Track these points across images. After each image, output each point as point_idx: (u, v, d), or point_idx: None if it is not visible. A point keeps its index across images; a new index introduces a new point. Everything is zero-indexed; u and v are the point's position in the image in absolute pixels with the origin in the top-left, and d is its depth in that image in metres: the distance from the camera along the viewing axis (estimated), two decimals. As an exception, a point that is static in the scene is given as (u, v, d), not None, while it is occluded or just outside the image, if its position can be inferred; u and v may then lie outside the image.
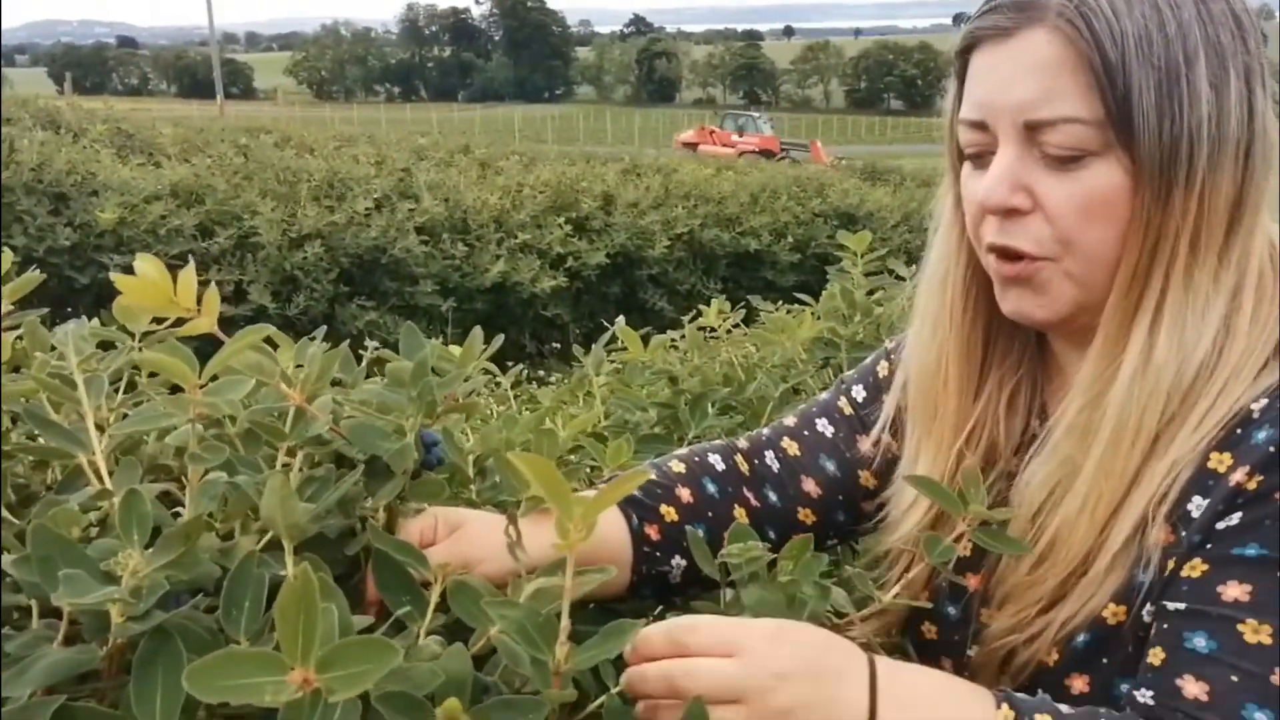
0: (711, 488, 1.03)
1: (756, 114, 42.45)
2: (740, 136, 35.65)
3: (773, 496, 1.04)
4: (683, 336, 1.88)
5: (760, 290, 6.02)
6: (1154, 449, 0.81)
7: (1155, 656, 0.76)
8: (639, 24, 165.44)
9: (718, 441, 1.11)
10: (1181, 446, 0.80)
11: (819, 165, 17.30)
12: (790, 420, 1.08)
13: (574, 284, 6.74)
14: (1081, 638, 0.82)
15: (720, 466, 1.04)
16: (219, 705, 0.61)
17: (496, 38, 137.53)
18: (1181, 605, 0.76)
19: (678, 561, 0.98)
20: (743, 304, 2.17)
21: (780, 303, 2.21)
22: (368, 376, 0.94)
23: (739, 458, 1.06)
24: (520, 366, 1.67)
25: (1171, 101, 0.77)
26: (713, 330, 1.95)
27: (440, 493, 0.85)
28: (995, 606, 0.89)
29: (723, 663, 0.69)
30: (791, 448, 1.06)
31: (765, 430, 1.09)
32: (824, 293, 1.90)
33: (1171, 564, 0.78)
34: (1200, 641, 0.74)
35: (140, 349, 0.86)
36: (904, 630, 0.98)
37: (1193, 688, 0.72)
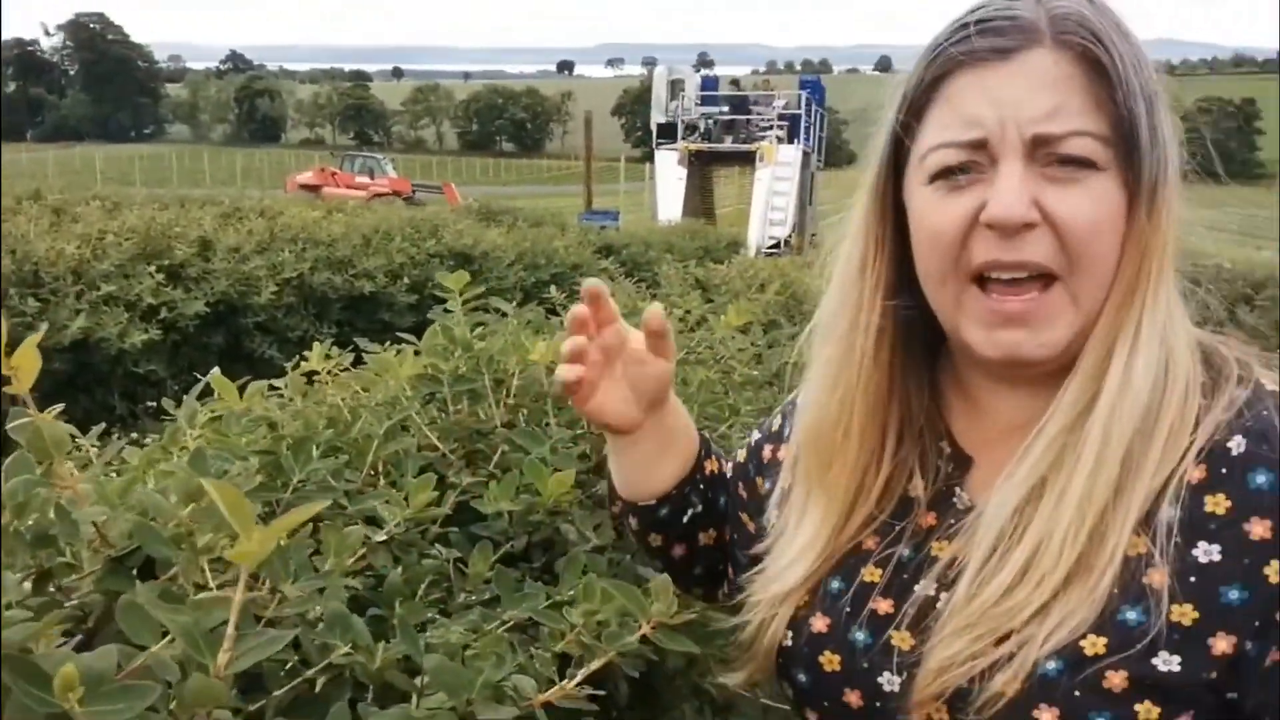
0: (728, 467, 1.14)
1: (379, 155, 41.08)
2: (371, 179, 34.71)
3: (722, 500, 1.13)
4: (286, 384, 1.82)
5: (378, 332, 5.91)
6: (1127, 468, 0.79)
7: None
8: (236, 60, 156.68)
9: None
10: (1154, 468, 0.79)
11: (454, 206, 17.25)
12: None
13: (169, 336, 6.24)
14: (1051, 665, 0.76)
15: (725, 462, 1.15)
16: None
17: (72, 72, 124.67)
18: None
19: (697, 502, 1.09)
20: (352, 347, 2.14)
21: (388, 343, 2.21)
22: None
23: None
24: (102, 427, 1.53)
25: (1154, 123, 0.81)
26: (317, 374, 1.90)
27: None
28: (940, 634, 0.81)
29: None
30: (727, 467, 1.14)
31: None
32: (427, 331, 1.93)
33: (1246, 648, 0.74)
34: None
35: None
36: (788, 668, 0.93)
37: None
